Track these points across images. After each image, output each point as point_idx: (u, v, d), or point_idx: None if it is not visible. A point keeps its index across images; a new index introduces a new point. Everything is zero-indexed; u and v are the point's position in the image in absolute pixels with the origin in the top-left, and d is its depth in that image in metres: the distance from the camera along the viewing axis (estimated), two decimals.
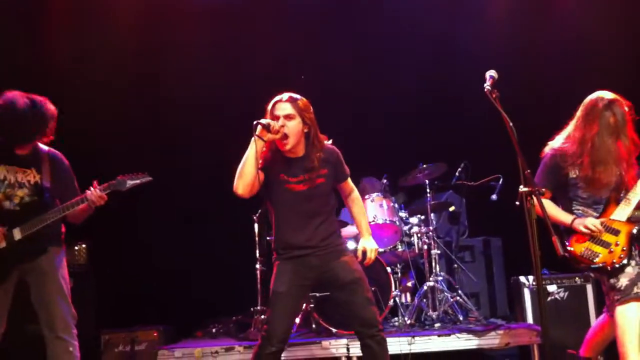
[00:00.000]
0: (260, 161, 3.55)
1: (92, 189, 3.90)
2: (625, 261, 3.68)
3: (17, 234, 3.89)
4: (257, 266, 5.78)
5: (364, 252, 3.86)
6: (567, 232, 3.86)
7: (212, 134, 6.38)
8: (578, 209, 3.90)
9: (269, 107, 3.62)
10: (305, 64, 6.60)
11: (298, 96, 3.65)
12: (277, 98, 3.63)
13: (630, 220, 3.76)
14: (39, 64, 6.05)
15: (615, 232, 3.75)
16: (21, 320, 4.18)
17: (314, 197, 3.64)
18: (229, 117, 6.31)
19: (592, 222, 3.75)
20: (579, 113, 3.91)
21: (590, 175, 3.78)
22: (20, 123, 3.89)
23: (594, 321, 5.00)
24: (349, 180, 3.89)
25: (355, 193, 3.94)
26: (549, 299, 5.14)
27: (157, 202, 6.35)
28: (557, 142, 3.96)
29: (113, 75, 6.27)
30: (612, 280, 3.73)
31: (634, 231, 3.74)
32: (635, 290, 3.65)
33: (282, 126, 3.53)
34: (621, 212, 3.79)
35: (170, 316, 5.86)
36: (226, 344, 5.08)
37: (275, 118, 3.56)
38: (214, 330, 5.76)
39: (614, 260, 3.70)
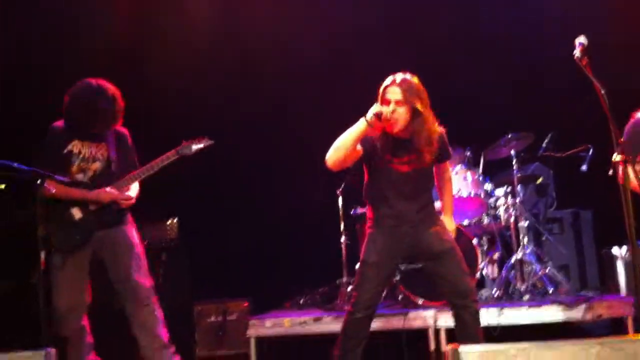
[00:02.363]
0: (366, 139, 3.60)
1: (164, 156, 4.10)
2: None
3: (91, 205, 4.06)
4: (342, 239, 5.86)
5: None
6: None
7: (303, 107, 6.45)
8: None
9: (381, 88, 3.61)
10: (395, 36, 6.55)
11: (411, 78, 3.61)
12: (390, 80, 3.61)
13: None
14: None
15: None
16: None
17: (416, 178, 3.66)
18: (321, 90, 6.37)
19: None
20: None
21: None
22: (102, 116, 4.09)
23: None
24: (447, 164, 3.90)
25: (449, 174, 3.97)
26: None
27: (244, 175, 6.52)
28: None
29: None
30: None
31: None
32: None
33: (393, 112, 3.52)
34: None
35: (259, 288, 6.01)
36: (314, 314, 5.18)
37: (386, 102, 3.56)
38: (301, 301, 5.87)
39: None
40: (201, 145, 4.18)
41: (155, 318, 4.09)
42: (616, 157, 3.16)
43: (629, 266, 5.19)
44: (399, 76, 3.61)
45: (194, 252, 6.03)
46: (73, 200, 4.03)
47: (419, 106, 3.55)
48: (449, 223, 3.93)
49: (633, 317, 4.77)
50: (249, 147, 6.56)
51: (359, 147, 3.60)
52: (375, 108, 3.52)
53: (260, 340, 5.12)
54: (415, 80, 3.62)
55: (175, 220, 5.85)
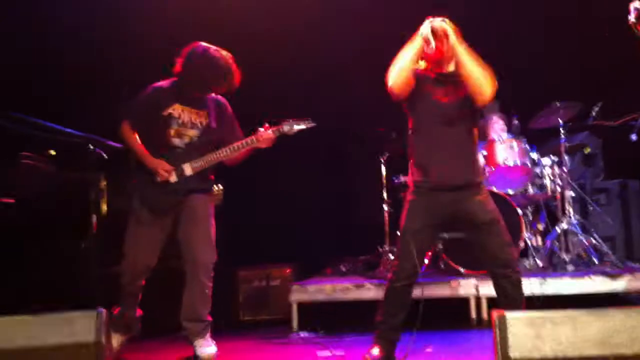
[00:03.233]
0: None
1: (262, 130, 4.09)
2: None
3: (187, 169, 4.09)
4: (385, 208, 5.87)
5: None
6: None
7: (349, 76, 6.43)
8: None
9: (424, 24, 3.58)
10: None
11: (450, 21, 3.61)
12: (433, 18, 3.60)
13: None
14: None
15: None
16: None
17: (458, 114, 3.60)
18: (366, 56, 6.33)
19: None
20: None
21: None
22: (210, 74, 4.09)
23: None
24: None
25: None
26: None
27: (288, 142, 6.52)
28: None
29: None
30: None
31: None
32: None
33: (443, 28, 3.51)
34: None
35: (302, 255, 6.06)
36: (356, 281, 5.22)
37: (432, 32, 3.53)
38: (343, 268, 5.92)
39: None
40: (303, 126, 4.16)
41: (204, 295, 4.11)
42: None
43: None
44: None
45: (238, 217, 6.09)
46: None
47: (459, 41, 3.54)
48: None
49: None
50: (295, 114, 6.56)
51: (412, 76, 3.56)
52: (428, 23, 3.51)
53: (302, 306, 5.18)
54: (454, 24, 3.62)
55: (220, 187, 5.90)
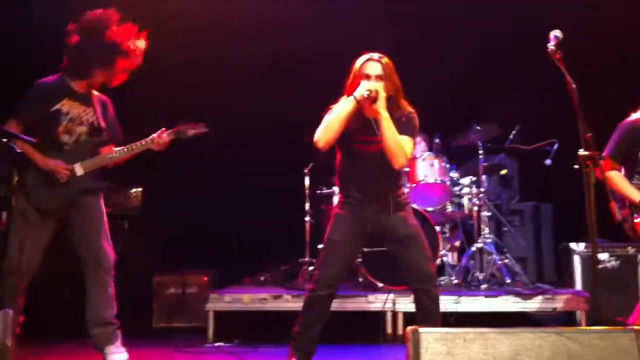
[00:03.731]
0: None
1: (158, 133, 4.04)
2: None
3: (78, 169, 3.97)
4: (307, 219, 5.87)
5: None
6: (636, 208, 3.81)
7: (274, 83, 6.41)
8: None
9: (358, 65, 3.60)
10: (369, 21, 6.52)
11: (385, 56, 3.63)
12: (367, 56, 3.61)
13: None
14: None
15: None
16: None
17: (386, 161, 3.64)
18: (293, 69, 6.34)
19: None
20: None
21: None
22: (82, 52, 3.98)
23: None
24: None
25: None
26: (600, 266, 5.10)
27: (212, 150, 6.46)
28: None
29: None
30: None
31: None
32: None
33: (378, 91, 3.50)
34: None
35: (220, 263, 5.99)
36: (274, 292, 5.19)
37: (366, 77, 3.56)
38: (261, 278, 5.87)
39: None
40: (196, 132, 4.14)
41: (108, 295, 4.04)
42: (582, 152, 3.21)
43: (586, 262, 5.31)
44: (376, 54, 3.62)
45: (157, 222, 5.98)
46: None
47: (393, 83, 3.59)
48: None
49: (587, 312, 4.89)
50: (219, 122, 6.50)
51: None
52: (365, 85, 3.51)
53: (219, 315, 5.11)
54: (388, 59, 3.65)
55: (139, 190, 5.79)
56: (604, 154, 3.81)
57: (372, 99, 3.48)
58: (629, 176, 3.89)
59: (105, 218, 4.12)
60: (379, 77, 3.57)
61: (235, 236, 6.51)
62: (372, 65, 3.59)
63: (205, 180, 6.55)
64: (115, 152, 4.05)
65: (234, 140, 6.51)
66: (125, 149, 4.04)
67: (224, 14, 6.33)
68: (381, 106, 3.51)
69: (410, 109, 3.72)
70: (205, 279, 5.55)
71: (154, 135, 4.06)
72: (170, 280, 5.56)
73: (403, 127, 3.63)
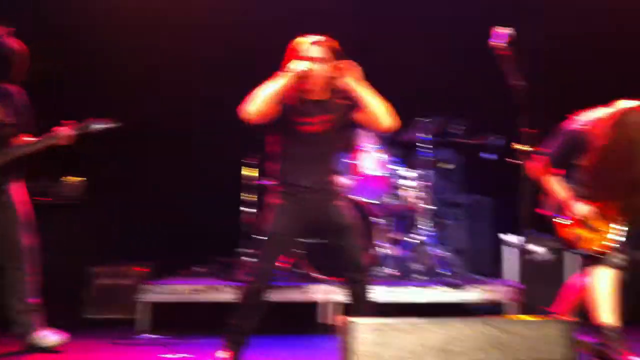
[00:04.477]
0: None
1: (63, 127, 4.00)
2: (607, 249, 3.75)
3: None
4: (245, 209, 5.80)
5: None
6: (561, 208, 3.89)
7: (211, 73, 6.31)
8: (573, 186, 3.91)
9: (300, 46, 3.56)
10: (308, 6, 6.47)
11: (331, 39, 3.61)
12: (310, 38, 3.58)
13: (622, 210, 3.77)
14: None
15: (609, 220, 3.78)
16: None
17: (326, 140, 3.64)
18: (229, 58, 6.25)
19: (586, 209, 3.77)
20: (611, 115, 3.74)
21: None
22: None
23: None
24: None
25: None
26: (531, 258, 5.18)
27: (152, 142, 6.36)
28: (585, 121, 3.87)
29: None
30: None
31: (626, 222, 3.76)
32: (610, 258, 3.75)
33: (317, 72, 3.50)
34: None
35: (155, 254, 5.87)
36: (211, 283, 5.12)
37: (305, 59, 3.52)
38: (198, 269, 5.79)
39: (598, 249, 3.77)
40: (103, 126, 4.09)
41: (25, 280, 4.02)
42: (518, 146, 3.26)
43: (518, 253, 5.39)
44: (317, 36, 3.60)
45: (95, 213, 5.82)
46: None
47: (335, 64, 3.56)
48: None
49: (517, 302, 4.97)
50: (157, 113, 6.39)
51: (275, 108, 3.54)
52: (304, 64, 3.48)
53: (154, 306, 5.01)
54: (332, 40, 3.62)
55: (78, 179, 5.64)
56: (545, 156, 3.86)
57: (309, 78, 3.44)
58: (565, 178, 3.95)
59: (24, 208, 4.05)
60: (321, 60, 3.54)
61: (172, 227, 6.39)
62: (314, 48, 3.56)
63: (142, 171, 6.42)
64: (20, 149, 3.98)
65: (171, 131, 6.40)
66: (28, 146, 3.98)
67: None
68: (318, 86, 3.48)
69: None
70: (141, 270, 5.43)
71: (59, 129, 4.01)
72: (106, 271, 5.43)
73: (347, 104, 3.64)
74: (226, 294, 4.96)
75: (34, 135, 4.05)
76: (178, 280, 5.32)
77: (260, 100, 3.47)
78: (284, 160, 3.72)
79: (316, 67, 3.51)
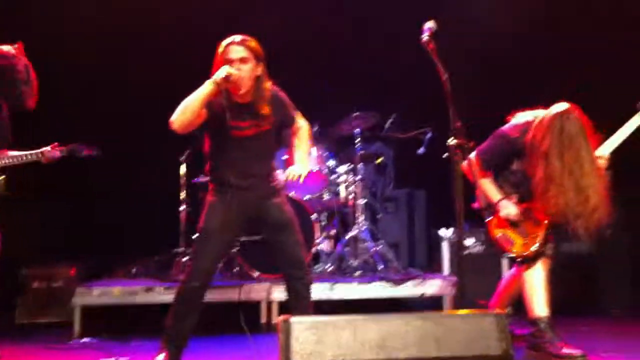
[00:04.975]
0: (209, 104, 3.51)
1: (49, 148, 4.02)
2: (535, 255, 3.84)
3: None
4: (182, 207, 5.73)
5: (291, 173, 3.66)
6: (491, 209, 3.97)
7: (144, 72, 6.21)
8: (505, 188, 4.00)
9: (221, 49, 3.51)
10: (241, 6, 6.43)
11: (250, 38, 3.56)
12: (229, 40, 3.53)
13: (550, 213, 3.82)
14: None
15: (537, 223, 3.87)
16: None
17: (258, 142, 3.62)
18: (163, 55, 6.16)
19: (516, 211, 3.86)
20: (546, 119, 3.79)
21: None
22: None
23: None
24: (298, 120, 3.83)
25: (303, 131, 3.85)
26: (466, 252, 5.29)
27: (84, 138, 6.18)
28: (516, 126, 3.95)
29: None
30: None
31: (553, 225, 3.85)
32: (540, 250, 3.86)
33: (239, 75, 3.46)
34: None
35: (90, 255, 5.75)
36: (146, 284, 5.04)
37: (229, 62, 3.47)
38: (133, 270, 5.68)
39: (526, 253, 3.86)
40: (88, 153, 4.26)
41: None
42: (451, 141, 3.31)
43: (454, 247, 5.51)
44: (239, 36, 3.55)
45: (26, 213, 5.64)
46: None
47: (259, 65, 3.55)
48: (298, 167, 3.70)
49: (453, 296, 5.07)
50: (89, 110, 6.24)
51: (203, 113, 3.50)
52: (224, 69, 3.44)
53: (87, 309, 4.90)
54: (255, 41, 3.59)
55: (2, 177, 5.43)
56: (477, 156, 3.93)
57: (231, 81, 3.43)
58: (497, 179, 4.03)
59: None
60: (242, 60, 3.50)
61: (108, 227, 6.26)
62: (234, 48, 3.51)
63: (76, 169, 6.23)
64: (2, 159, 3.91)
65: (107, 126, 6.25)
66: (12, 159, 3.94)
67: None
68: (244, 89, 3.50)
69: (275, 87, 3.70)
70: (73, 272, 5.30)
71: (46, 148, 4.01)
72: (36, 274, 5.28)
73: (281, 108, 3.66)
74: (163, 295, 4.89)
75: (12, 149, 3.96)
76: (113, 282, 5.21)
77: (184, 110, 3.42)
78: (216, 160, 3.68)
79: (235, 69, 3.47)
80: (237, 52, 3.50)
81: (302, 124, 3.87)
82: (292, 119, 3.80)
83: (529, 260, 3.87)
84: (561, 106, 3.78)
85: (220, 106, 3.52)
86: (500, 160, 3.97)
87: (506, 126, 3.99)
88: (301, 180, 3.66)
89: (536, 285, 3.84)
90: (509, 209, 3.92)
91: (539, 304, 3.82)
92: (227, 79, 3.41)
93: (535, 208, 3.87)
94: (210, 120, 3.54)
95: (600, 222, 3.71)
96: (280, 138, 3.85)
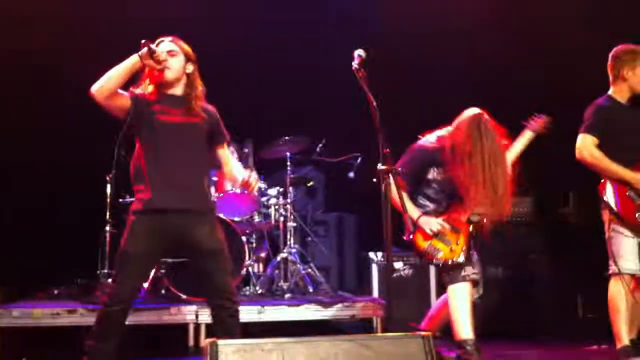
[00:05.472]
0: (136, 94, 3.50)
1: None
2: (461, 259, 3.98)
3: None
4: (107, 228, 5.59)
5: (246, 181, 3.61)
6: (414, 224, 4.07)
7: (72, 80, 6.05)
8: (422, 202, 4.16)
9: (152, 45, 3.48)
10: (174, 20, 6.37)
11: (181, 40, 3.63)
12: (161, 39, 3.58)
13: (469, 221, 4.06)
14: None
15: (457, 231, 4.02)
16: None
17: (188, 135, 3.55)
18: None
19: (437, 223, 4.00)
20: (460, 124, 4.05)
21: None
22: None
23: (434, 298, 5.31)
24: (226, 147, 3.82)
25: (233, 161, 3.87)
26: (395, 275, 5.36)
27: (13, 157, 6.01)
28: (431, 140, 4.14)
29: None
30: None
31: (472, 231, 4.06)
32: (463, 273, 3.98)
33: (165, 59, 3.47)
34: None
35: (9, 276, 5.53)
36: (68, 306, 4.87)
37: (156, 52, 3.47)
38: (56, 292, 5.50)
39: (454, 258, 4.00)
40: None
41: None
42: (380, 166, 3.36)
43: (383, 270, 5.57)
44: (168, 37, 3.62)
45: None
46: None
47: (191, 62, 3.60)
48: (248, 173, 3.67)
49: (382, 318, 5.11)
50: (13, 123, 6.06)
51: (127, 97, 3.46)
52: (152, 45, 3.44)
53: (5, 331, 4.70)
54: (185, 44, 3.65)
55: None
56: (397, 172, 4.03)
57: (156, 59, 3.42)
58: (414, 195, 4.16)
59: None
60: (171, 53, 3.54)
61: (29, 247, 6.04)
62: (163, 44, 3.57)
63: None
64: None
65: (30, 143, 6.07)
66: None
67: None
68: (170, 75, 3.52)
69: (209, 106, 3.71)
70: None
71: None
72: None
73: (213, 119, 3.68)
74: (85, 317, 4.74)
75: None
76: (34, 304, 5.02)
77: (106, 79, 3.40)
78: (143, 167, 3.53)
79: (162, 52, 3.48)
80: (166, 46, 3.56)
81: (231, 156, 3.88)
82: (224, 136, 3.77)
83: (456, 268, 3.98)
84: (474, 109, 4.05)
85: (149, 99, 3.52)
86: (419, 172, 4.11)
87: (419, 142, 4.19)
88: (255, 187, 3.64)
89: (461, 309, 3.93)
90: (430, 223, 4.07)
91: (465, 327, 3.91)
92: (150, 54, 3.40)
93: (453, 218, 4.05)
94: (140, 114, 3.48)
95: (508, 210, 4.01)
96: (210, 154, 3.78)
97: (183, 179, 3.52)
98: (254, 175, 3.60)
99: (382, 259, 5.64)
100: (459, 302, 3.95)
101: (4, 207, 6.02)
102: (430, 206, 4.15)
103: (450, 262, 3.99)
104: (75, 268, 5.73)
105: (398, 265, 5.40)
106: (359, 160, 5.98)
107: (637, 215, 4.04)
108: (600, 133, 4.15)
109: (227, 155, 3.82)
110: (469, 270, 3.99)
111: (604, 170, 4.15)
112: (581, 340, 5.02)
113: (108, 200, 5.63)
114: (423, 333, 2.85)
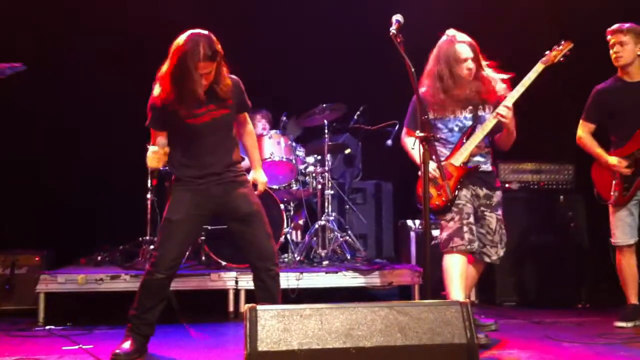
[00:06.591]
0: (157, 115, 3.54)
1: None
2: (448, 204, 4.00)
3: None
4: (148, 196, 5.68)
5: (254, 184, 3.87)
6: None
7: (119, 55, 6.15)
8: (440, 150, 4.11)
9: (181, 41, 3.41)
10: None
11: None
12: (191, 31, 3.44)
13: (464, 165, 4.03)
14: None
15: (449, 176, 4.01)
16: None
17: (217, 129, 3.59)
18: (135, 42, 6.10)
19: (431, 168, 3.93)
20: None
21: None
22: None
23: None
24: (247, 115, 3.85)
25: (250, 126, 3.90)
26: (433, 243, 5.34)
27: (46, 123, 6.12)
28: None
29: None
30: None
31: (462, 177, 4.03)
32: (451, 245, 4.02)
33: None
34: (458, 157, 4.05)
35: (54, 242, 5.68)
36: (111, 272, 4.99)
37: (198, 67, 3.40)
38: (99, 258, 5.60)
39: (438, 203, 4.02)
40: (18, 68, 3.85)
41: None
42: (419, 133, 3.35)
43: (420, 238, 5.56)
44: (206, 33, 3.47)
45: None
46: None
47: (219, 55, 3.46)
48: (260, 175, 3.92)
49: (420, 286, 5.13)
50: (60, 93, 6.16)
51: (159, 132, 3.56)
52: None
53: (51, 296, 4.85)
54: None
55: None
56: (405, 126, 4.30)
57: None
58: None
59: None
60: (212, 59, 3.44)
61: (72, 214, 6.16)
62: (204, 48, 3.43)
63: (38, 154, 6.16)
64: None
65: (69, 112, 6.17)
66: None
67: None
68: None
69: (233, 77, 3.66)
70: (37, 258, 5.23)
71: None
72: (1, 260, 5.19)
73: (239, 94, 3.66)
74: (128, 282, 4.86)
75: None
76: (77, 270, 5.16)
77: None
78: (177, 149, 3.62)
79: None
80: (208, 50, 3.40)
81: (248, 119, 3.88)
82: (247, 107, 3.78)
83: (442, 211, 4.03)
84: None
85: (167, 107, 3.48)
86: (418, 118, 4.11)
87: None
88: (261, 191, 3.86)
89: (453, 272, 3.98)
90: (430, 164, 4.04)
91: (456, 289, 3.93)
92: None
93: (447, 164, 4.03)
94: (167, 113, 3.50)
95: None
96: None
97: (215, 149, 3.61)
98: (261, 179, 3.86)
99: (419, 227, 5.64)
100: (450, 266, 4.00)
101: (47, 173, 6.15)
102: (444, 151, 4.12)
103: (436, 208, 4.02)
104: (118, 234, 5.83)
105: (436, 232, 5.38)
106: (396, 128, 5.93)
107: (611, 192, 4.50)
108: (595, 117, 4.61)
109: (245, 121, 3.86)
110: (457, 242, 3.98)
111: (591, 154, 4.61)
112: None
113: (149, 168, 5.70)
114: (461, 300, 2.85)
